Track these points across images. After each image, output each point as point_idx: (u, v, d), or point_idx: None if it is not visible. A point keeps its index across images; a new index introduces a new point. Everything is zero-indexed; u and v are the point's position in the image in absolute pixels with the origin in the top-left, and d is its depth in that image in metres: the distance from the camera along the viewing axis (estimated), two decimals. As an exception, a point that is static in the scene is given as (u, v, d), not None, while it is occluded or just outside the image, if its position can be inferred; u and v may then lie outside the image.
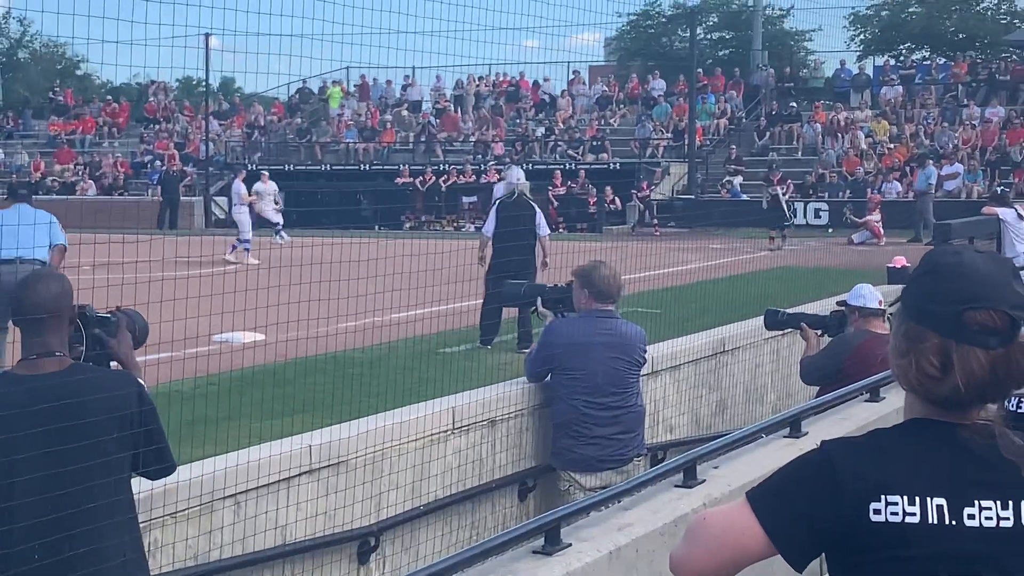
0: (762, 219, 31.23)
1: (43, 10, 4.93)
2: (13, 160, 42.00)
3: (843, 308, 8.10)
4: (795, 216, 30.63)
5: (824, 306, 11.27)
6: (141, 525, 4.65)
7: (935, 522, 2.16)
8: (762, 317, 8.85)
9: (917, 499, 2.17)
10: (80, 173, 41.09)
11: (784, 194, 30.03)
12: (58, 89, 48.10)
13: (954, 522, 2.16)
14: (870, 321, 7.78)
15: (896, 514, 2.17)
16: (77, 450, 3.92)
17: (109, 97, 47.46)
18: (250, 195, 25.89)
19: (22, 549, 3.89)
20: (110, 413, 4.03)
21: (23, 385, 3.98)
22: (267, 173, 29.02)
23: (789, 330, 8.97)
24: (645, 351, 7.51)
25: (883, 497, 2.17)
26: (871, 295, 7.89)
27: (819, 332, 8.22)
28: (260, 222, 26.13)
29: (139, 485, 4.56)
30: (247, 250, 23.61)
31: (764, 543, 2.24)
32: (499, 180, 31.69)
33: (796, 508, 2.23)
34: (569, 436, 7.21)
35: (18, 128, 46.66)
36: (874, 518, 2.17)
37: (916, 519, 2.16)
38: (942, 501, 2.17)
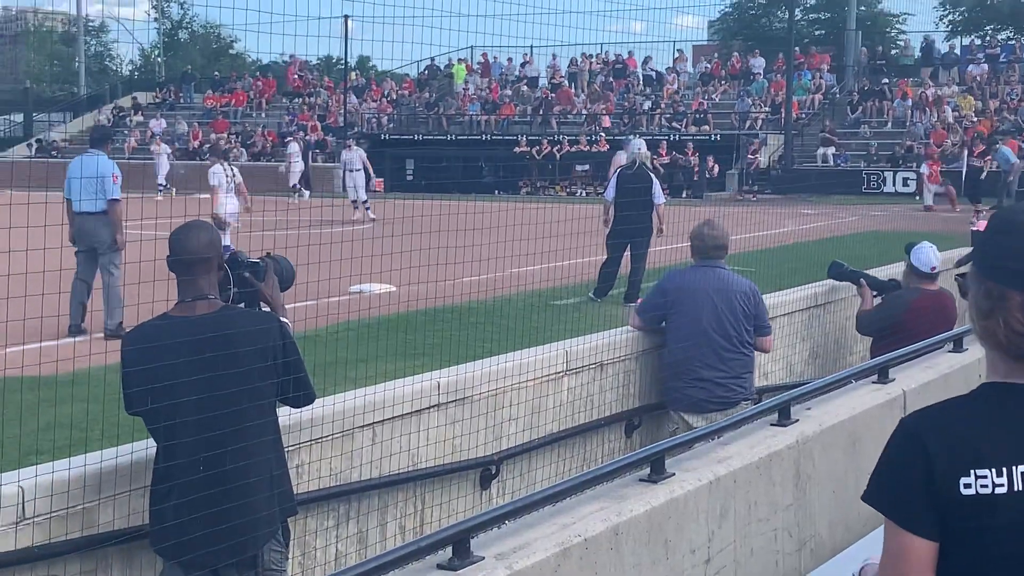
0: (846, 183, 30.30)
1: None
2: (175, 129, 42.89)
3: (898, 280, 8.53)
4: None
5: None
6: (289, 449, 4.77)
7: (1020, 489, 2.03)
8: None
9: (1004, 469, 2.04)
10: (233, 141, 41.82)
11: (985, 167, 26.54)
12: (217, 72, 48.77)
13: None
14: (922, 280, 8.14)
15: (986, 487, 2.03)
16: (228, 378, 4.02)
17: (259, 72, 48.15)
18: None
19: (188, 461, 4.03)
20: (254, 345, 4.12)
21: (181, 325, 4.11)
22: (352, 141, 28.62)
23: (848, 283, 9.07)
24: (753, 303, 7.21)
25: (972, 472, 2.04)
26: (926, 261, 8.13)
27: (874, 293, 8.62)
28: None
29: (287, 415, 4.67)
30: (367, 208, 24.85)
31: (916, 536, 2.09)
32: (610, 149, 31.58)
33: (905, 487, 2.09)
34: (677, 378, 7.16)
35: (179, 100, 47.66)
36: (965, 492, 2.04)
37: (1004, 489, 2.03)
38: None
